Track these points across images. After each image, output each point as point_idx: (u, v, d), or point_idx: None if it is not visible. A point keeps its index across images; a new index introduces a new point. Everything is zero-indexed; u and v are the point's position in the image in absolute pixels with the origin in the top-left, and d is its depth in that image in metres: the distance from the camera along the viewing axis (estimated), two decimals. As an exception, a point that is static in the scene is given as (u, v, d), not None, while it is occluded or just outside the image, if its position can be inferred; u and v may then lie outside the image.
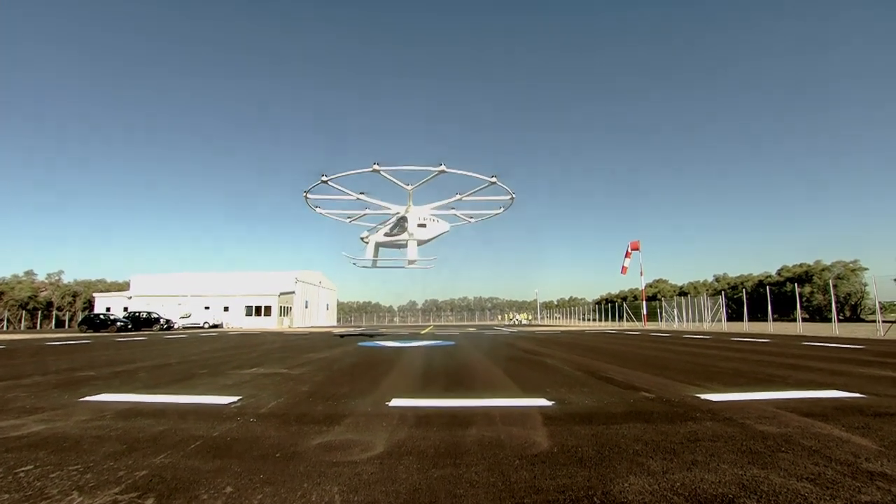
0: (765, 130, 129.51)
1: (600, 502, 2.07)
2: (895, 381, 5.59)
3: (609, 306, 55.85)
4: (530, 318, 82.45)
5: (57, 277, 66.55)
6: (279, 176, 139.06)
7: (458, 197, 18.27)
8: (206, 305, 54.27)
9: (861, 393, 4.71)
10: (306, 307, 65.20)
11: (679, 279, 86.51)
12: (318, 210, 19.49)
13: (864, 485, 2.22)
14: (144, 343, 16.82)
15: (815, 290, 51.45)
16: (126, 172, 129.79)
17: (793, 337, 17.23)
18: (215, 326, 49.06)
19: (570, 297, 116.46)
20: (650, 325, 39.60)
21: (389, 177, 16.33)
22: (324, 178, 16.43)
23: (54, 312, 60.53)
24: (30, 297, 59.10)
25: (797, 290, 28.51)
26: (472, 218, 20.61)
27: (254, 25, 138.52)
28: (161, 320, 39.79)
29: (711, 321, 33.46)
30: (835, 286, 37.28)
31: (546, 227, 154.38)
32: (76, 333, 30.66)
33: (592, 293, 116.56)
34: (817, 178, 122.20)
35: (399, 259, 19.71)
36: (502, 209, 19.98)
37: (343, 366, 8.19)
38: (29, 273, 64.76)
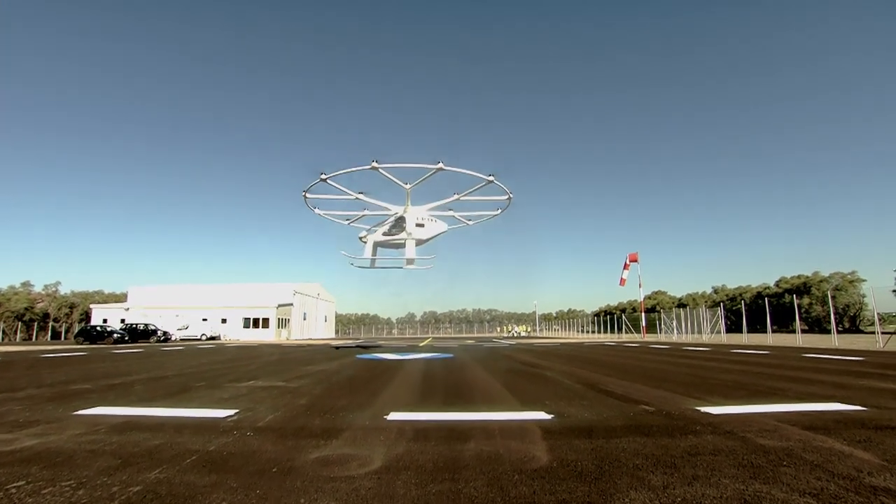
0: (763, 141, 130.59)
1: (601, 518, 2.04)
2: (896, 393, 5.57)
3: (608, 318, 55.71)
4: (529, 330, 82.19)
5: (54, 289, 66.27)
6: (278, 187, 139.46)
7: (455, 197, 18.29)
8: (204, 317, 53.98)
9: (862, 406, 4.68)
10: (304, 319, 64.94)
11: (678, 291, 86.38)
12: (316, 211, 19.47)
13: (868, 500, 2.20)
14: (141, 355, 16.70)
15: (813, 301, 51.44)
16: (125, 183, 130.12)
17: (792, 349, 17.18)
18: (213, 338, 48.77)
19: (569, 309, 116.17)
20: (649, 337, 39.48)
21: (388, 175, 16.33)
22: (323, 177, 16.42)
23: (50, 324, 60.18)
24: (26, 309, 58.81)
25: (796, 301, 28.52)
26: (470, 220, 20.63)
27: (249, 30, 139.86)
28: (158, 332, 39.55)
29: (711, 333, 33.39)
30: (833, 297, 37.27)
31: (545, 239, 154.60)
32: (72, 345, 30.45)
33: (591, 305, 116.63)
34: (815, 189, 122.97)
35: (397, 258, 19.69)
36: (500, 210, 20.01)
37: (341, 378, 8.14)
38: (26, 284, 64.50)
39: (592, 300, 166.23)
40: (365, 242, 19.43)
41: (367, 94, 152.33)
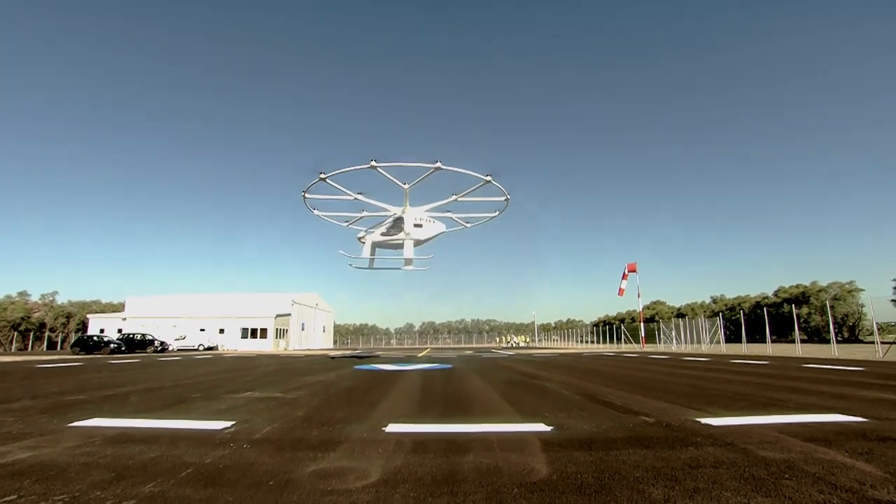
0: (760, 149, 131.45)
1: (602, 533, 2.01)
2: (897, 404, 5.54)
3: (607, 328, 55.60)
4: (528, 340, 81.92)
5: (51, 298, 65.98)
6: (277, 197, 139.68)
7: (453, 198, 18.32)
8: (202, 327, 53.72)
9: (863, 417, 4.65)
10: (303, 329, 64.68)
11: (676, 301, 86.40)
12: (315, 212, 19.47)
13: (871, 514, 2.17)
14: (138, 366, 16.59)
15: (812, 311, 51.42)
16: (124, 193, 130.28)
17: (792, 359, 17.13)
18: (210, 349, 48.49)
19: (568, 319, 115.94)
20: (648, 347, 39.36)
21: (386, 174, 16.35)
22: (322, 176, 16.41)
23: (47, 334, 59.82)
24: (22, 318, 58.49)
25: (795, 311, 28.54)
26: (468, 222, 20.65)
27: (248, 35, 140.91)
28: (155, 342, 39.33)
29: (710, 343, 33.33)
30: (832, 307, 37.26)
31: (543, 249, 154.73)
32: (68, 355, 30.24)
33: (590, 315, 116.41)
34: (812, 199, 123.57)
35: (396, 258, 19.67)
36: (497, 213, 20.03)
37: (339, 390, 8.08)
38: (23, 294, 64.19)
39: (591, 310, 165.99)
40: (363, 243, 19.43)
41: (366, 97, 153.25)
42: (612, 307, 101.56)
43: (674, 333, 38.11)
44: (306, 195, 18.09)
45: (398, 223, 18.81)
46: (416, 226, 18.71)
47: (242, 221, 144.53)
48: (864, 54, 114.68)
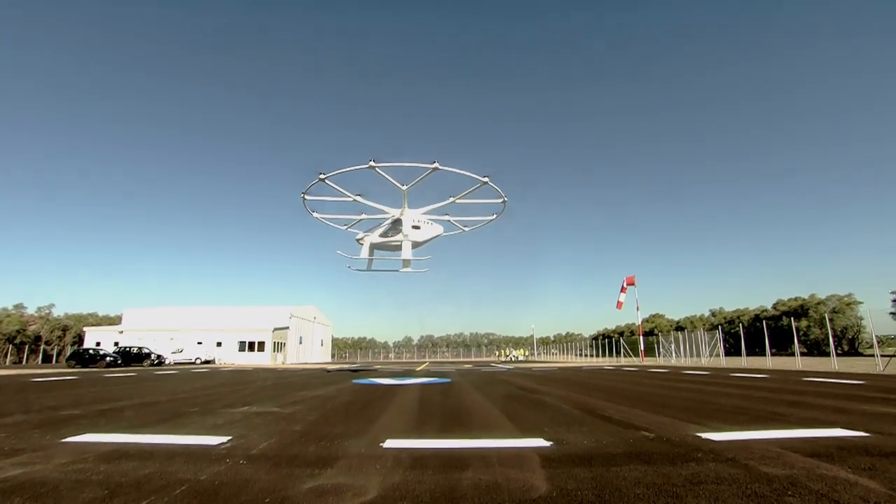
0: (758, 164, 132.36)
1: (603, 552, 1.98)
2: (898, 418, 5.50)
3: (606, 342, 55.40)
4: (527, 354, 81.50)
5: (47, 311, 65.65)
6: (276, 209, 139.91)
7: (451, 200, 18.42)
8: (199, 340, 53.39)
9: (865, 431, 4.61)
10: (300, 343, 64.32)
11: (675, 314, 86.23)
12: (314, 214, 19.53)
13: (876, 531, 2.14)
14: (133, 379, 16.43)
15: (811, 323, 51.36)
16: (122, 204, 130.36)
17: (792, 372, 17.06)
18: (207, 362, 48.14)
19: (567, 333, 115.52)
20: (648, 361, 39.18)
21: (385, 174, 16.43)
22: (321, 176, 16.49)
23: (42, 347, 59.35)
24: (18, 331, 58.08)
25: (794, 324, 28.51)
26: (466, 226, 20.70)
27: (244, 42, 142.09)
28: (152, 355, 39.04)
29: (709, 356, 33.19)
30: (831, 320, 37.20)
31: (541, 262, 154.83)
32: (64, 369, 29.98)
33: (589, 328, 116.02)
34: (808, 212, 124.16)
35: (394, 259, 19.69)
36: (495, 216, 20.09)
37: (337, 404, 8.01)
38: (19, 306, 63.88)
39: (590, 323, 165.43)
40: (362, 244, 19.47)
41: (366, 99, 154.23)
42: (611, 320, 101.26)
43: (673, 347, 37.98)
44: (306, 196, 18.16)
45: (396, 225, 18.90)
46: (414, 227, 18.78)
47: (241, 234, 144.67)
48: (862, 65, 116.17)
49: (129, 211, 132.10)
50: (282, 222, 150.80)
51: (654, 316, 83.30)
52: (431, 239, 19.57)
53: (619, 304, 44.83)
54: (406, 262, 18.87)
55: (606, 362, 38.89)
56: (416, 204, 18.81)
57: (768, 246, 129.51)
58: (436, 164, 16.06)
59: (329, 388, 11.94)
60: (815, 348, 50.18)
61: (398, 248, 18.99)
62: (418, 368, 27.39)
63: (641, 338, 42.11)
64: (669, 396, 8.72)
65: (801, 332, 48.73)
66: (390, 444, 4.35)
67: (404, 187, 17.15)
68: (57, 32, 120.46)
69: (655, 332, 60.48)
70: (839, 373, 16.12)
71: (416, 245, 19.04)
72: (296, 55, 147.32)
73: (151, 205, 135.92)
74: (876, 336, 22.53)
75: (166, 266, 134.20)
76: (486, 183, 17.11)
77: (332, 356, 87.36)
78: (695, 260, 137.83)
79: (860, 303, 50.39)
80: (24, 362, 54.37)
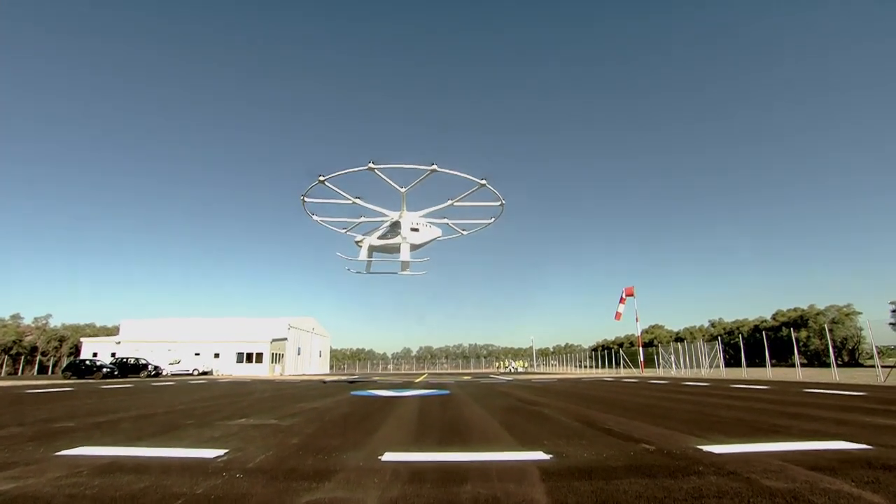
0: (755, 172, 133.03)
1: (604, 568, 1.95)
2: (900, 431, 5.47)
3: (606, 353, 55.18)
4: (526, 365, 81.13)
5: (44, 321, 65.26)
6: (274, 221, 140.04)
7: (449, 202, 18.54)
8: (197, 352, 53.09)
9: (868, 444, 4.58)
10: (299, 354, 63.99)
11: (674, 324, 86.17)
12: (314, 217, 19.60)
13: (880, 547, 2.11)
14: (130, 391, 16.30)
15: (811, 334, 51.25)
16: (120, 215, 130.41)
17: (793, 383, 16.98)
18: (205, 373, 47.82)
19: (567, 344, 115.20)
20: (648, 372, 39.00)
21: (383, 176, 16.53)
22: (321, 178, 16.60)
23: (38, 358, 58.93)
24: (14, 342, 57.70)
25: (794, 334, 28.44)
26: (464, 230, 20.75)
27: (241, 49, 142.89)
28: (149, 367, 38.76)
29: (709, 367, 33.04)
30: (831, 331, 37.13)
31: (540, 273, 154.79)
32: (59, 380, 29.73)
33: (588, 340, 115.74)
34: (806, 221, 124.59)
35: (393, 261, 19.74)
36: (493, 219, 20.17)
37: (335, 416, 7.94)
38: (15, 317, 63.52)
39: (589, 335, 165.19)
40: (360, 246, 19.54)
41: (365, 106, 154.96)
42: (611, 332, 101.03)
43: (673, 358, 37.83)
44: (305, 199, 18.25)
45: (395, 227, 19.00)
46: (412, 230, 18.87)
47: (240, 245, 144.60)
48: (864, 75, 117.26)
49: (127, 221, 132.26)
50: (281, 234, 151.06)
51: (653, 327, 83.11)
52: (430, 241, 19.66)
53: (617, 315, 44.75)
54: (405, 265, 18.96)
55: (606, 374, 38.69)
56: (414, 206, 18.96)
57: (766, 256, 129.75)
58: (434, 166, 16.17)
59: (327, 399, 11.85)
60: (816, 359, 50.02)
61: (397, 250, 19.08)
62: (417, 380, 27.23)
63: (641, 349, 41.95)
64: (670, 408, 8.66)
65: (801, 343, 48.60)
66: (389, 457, 4.30)
67: (403, 189, 17.27)
68: (53, 37, 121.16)
69: (655, 343, 60.28)
70: (840, 384, 16.05)
71: (414, 247, 19.13)
72: (294, 58, 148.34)
73: (150, 215, 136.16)
74: (876, 347, 22.47)
75: (165, 277, 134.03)
76: (483, 185, 17.23)
77: (331, 368, 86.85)
78: (693, 271, 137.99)
79: (859, 313, 50.41)
80: (19, 373, 53.92)
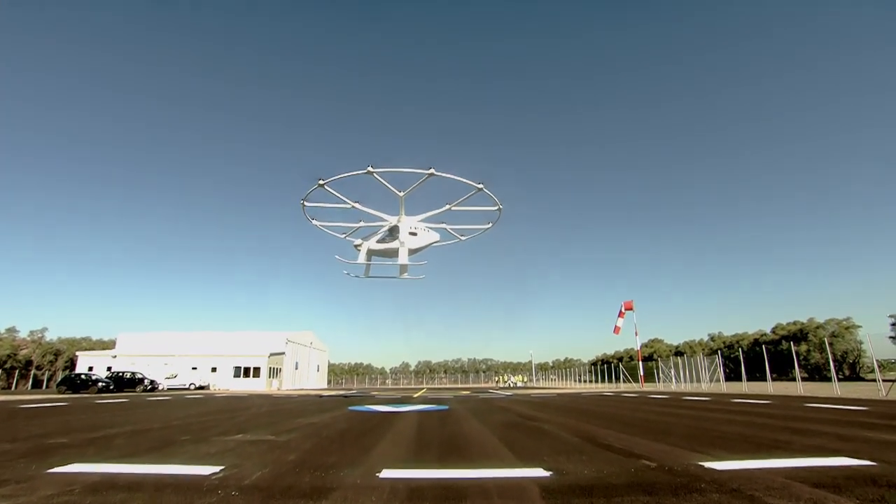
0: (754, 188, 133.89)
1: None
2: (903, 446, 5.42)
3: (605, 367, 54.89)
4: (525, 380, 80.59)
5: (40, 335, 64.72)
6: (273, 234, 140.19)
7: (447, 207, 18.58)
8: (194, 366, 52.63)
9: (872, 460, 4.53)
10: (296, 369, 63.51)
11: (673, 338, 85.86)
12: (314, 222, 19.62)
13: (887, 567, 2.08)
14: (125, 406, 16.12)
15: (811, 348, 51.05)
16: (118, 226, 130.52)
17: (794, 398, 16.87)
18: (202, 388, 47.39)
19: (566, 358, 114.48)
20: (648, 387, 38.75)
21: (382, 180, 16.59)
22: (321, 182, 16.68)
23: (33, 372, 58.36)
24: (8, 356, 57.17)
25: (794, 348, 28.32)
26: (462, 235, 20.76)
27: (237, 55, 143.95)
28: (145, 381, 38.35)
29: (710, 382, 32.83)
30: (831, 344, 37.03)
31: (540, 286, 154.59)
32: (54, 395, 29.40)
33: (588, 354, 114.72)
34: (804, 233, 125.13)
35: (391, 264, 19.70)
36: (491, 224, 20.17)
37: (332, 432, 7.85)
38: (11, 330, 62.94)
39: (589, 349, 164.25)
40: (359, 250, 19.53)
41: (363, 110, 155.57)
42: (610, 346, 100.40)
43: (673, 372, 37.61)
44: (305, 203, 18.30)
45: (393, 232, 19.05)
46: (411, 234, 18.90)
47: (238, 258, 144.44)
48: (860, 85, 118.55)
49: (124, 233, 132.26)
50: (280, 247, 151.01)
51: (652, 341, 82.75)
52: (428, 245, 19.72)
53: (616, 329, 44.60)
54: (403, 268, 18.99)
55: (606, 388, 38.42)
56: (413, 210, 19.04)
57: (764, 269, 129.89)
58: (432, 170, 16.28)
59: (324, 415, 11.73)
60: (816, 373, 49.75)
61: (395, 254, 19.12)
62: (415, 395, 27.00)
63: (641, 363, 41.73)
64: (671, 423, 8.59)
65: (802, 357, 48.39)
66: (387, 473, 4.25)
67: (401, 194, 17.35)
68: (48, 41, 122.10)
69: (654, 357, 60.01)
70: (841, 398, 15.95)
71: (412, 251, 19.18)
72: (293, 63, 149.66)
73: (148, 228, 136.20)
74: (877, 360, 22.38)
75: (162, 290, 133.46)
76: (480, 189, 17.32)
77: (329, 382, 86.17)
78: (692, 284, 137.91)
79: (859, 326, 50.24)
80: (13, 388, 53.37)
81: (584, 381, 61.07)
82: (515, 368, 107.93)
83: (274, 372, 56.07)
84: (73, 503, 3.28)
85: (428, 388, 49.47)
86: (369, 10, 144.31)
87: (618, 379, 47.88)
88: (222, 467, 4.54)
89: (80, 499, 3.40)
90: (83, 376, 35.72)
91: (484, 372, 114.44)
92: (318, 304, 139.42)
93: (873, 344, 22.02)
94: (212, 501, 3.30)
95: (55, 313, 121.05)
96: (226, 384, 52.52)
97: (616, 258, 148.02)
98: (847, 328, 50.64)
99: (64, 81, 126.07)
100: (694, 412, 11.19)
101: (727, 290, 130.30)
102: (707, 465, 4.41)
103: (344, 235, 20.84)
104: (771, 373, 27.44)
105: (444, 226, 20.42)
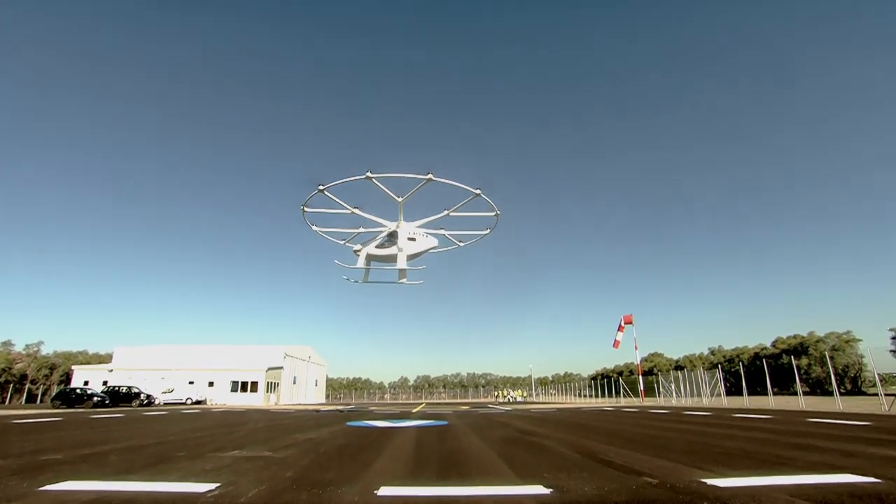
0: (753, 200, 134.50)
1: None
2: (908, 463, 5.35)
3: (605, 381, 54.51)
4: (525, 394, 79.98)
5: (36, 348, 64.24)
6: (271, 248, 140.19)
7: (445, 212, 18.68)
8: (191, 380, 52.16)
9: (876, 477, 4.47)
10: (294, 383, 62.98)
11: (673, 352, 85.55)
12: (314, 227, 19.68)
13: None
14: (121, 421, 15.93)
15: (812, 362, 50.80)
16: (115, 239, 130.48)
17: (796, 413, 16.73)
18: (198, 402, 46.92)
19: (566, 373, 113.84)
20: (648, 401, 38.46)
21: (381, 186, 16.69)
22: (321, 187, 16.80)
23: (27, 386, 57.78)
24: (3, 370, 56.66)
25: (794, 362, 28.19)
26: (461, 241, 20.80)
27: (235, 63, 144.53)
28: (141, 395, 37.97)
29: (710, 396, 32.58)
30: (832, 358, 36.82)
31: (539, 300, 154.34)
32: (48, 409, 29.08)
33: (587, 368, 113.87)
34: (805, 247, 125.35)
35: (391, 269, 19.74)
36: (489, 230, 20.21)
37: (330, 448, 7.75)
38: (6, 343, 62.50)
39: (589, 363, 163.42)
40: (358, 255, 19.61)
41: (363, 115, 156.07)
42: (610, 360, 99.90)
43: (673, 387, 37.35)
44: (305, 209, 18.41)
45: (392, 237, 19.17)
46: (409, 239, 19.01)
47: (236, 271, 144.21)
48: (858, 96, 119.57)
49: (122, 246, 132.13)
50: (278, 261, 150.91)
51: (652, 355, 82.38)
52: (426, 251, 19.84)
53: (615, 343, 44.38)
54: (402, 274, 19.07)
55: (606, 403, 38.10)
56: (412, 216, 19.20)
57: (764, 282, 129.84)
58: (430, 175, 16.39)
59: (322, 430, 11.60)
60: (818, 387, 49.42)
61: (394, 259, 19.21)
62: (414, 410, 26.74)
63: (641, 377, 41.46)
64: (672, 439, 8.50)
65: (802, 371, 48.12)
66: (385, 491, 4.18)
67: (400, 199, 17.46)
68: (44, 47, 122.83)
69: (654, 371, 59.67)
70: (844, 413, 15.82)
71: (411, 257, 19.27)
72: (291, 68, 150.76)
73: (145, 240, 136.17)
74: (878, 374, 22.24)
75: (160, 303, 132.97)
76: (478, 195, 17.45)
77: (327, 397, 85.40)
78: (691, 298, 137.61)
79: (859, 340, 50.08)
80: (7, 402, 52.78)
81: (584, 396, 60.58)
82: (515, 383, 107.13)
83: (272, 386, 55.57)
84: (65, 522, 3.22)
85: (427, 403, 49.04)
86: (369, 13, 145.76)
87: (618, 393, 47.52)
88: (218, 484, 4.47)
89: (73, 517, 3.34)
90: (78, 391, 35.38)
91: (483, 387, 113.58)
92: (317, 319, 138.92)
93: (874, 357, 21.91)
94: (206, 520, 3.24)
95: (52, 327, 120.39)
96: (223, 399, 52.01)
97: (615, 272, 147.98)
98: (847, 342, 50.46)
99: (60, 90, 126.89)
100: (695, 427, 11.08)
101: (727, 304, 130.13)
102: (709, 481, 4.35)
103: (344, 242, 20.95)
104: (772, 387, 27.27)
105: (442, 231, 20.56)
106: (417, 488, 4.36)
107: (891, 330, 46.65)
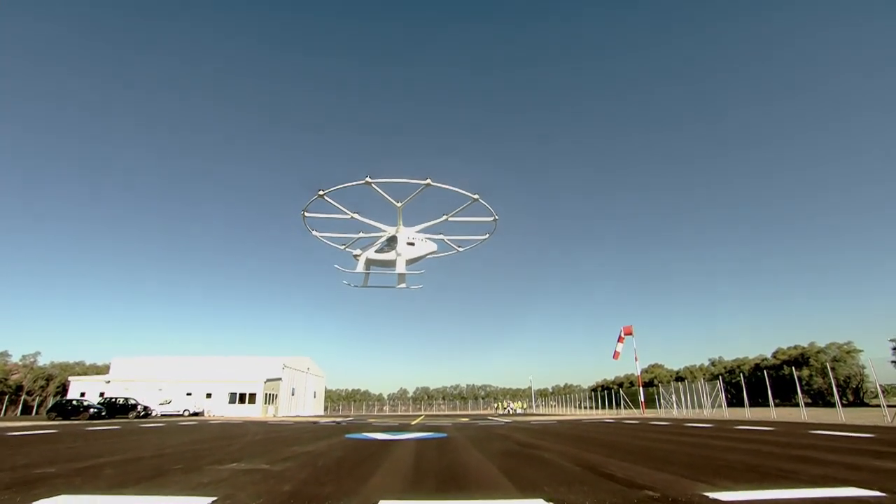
0: (753, 210, 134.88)
1: None
2: (912, 476, 5.30)
3: (605, 393, 54.18)
4: (525, 406, 79.42)
5: (32, 359, 63.83)
6: (269, 258, 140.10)
7: (444, 217, 18.73)
8: (188, 392, 51.77)
9: (881, 491, 4.42)
10: (293, 395, 62.52)
11: (673, 363, 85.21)
12: (314, 233, 19.74)
13: None
14: (117, 433, 15.77)
15: (813, 373, 50.58)
16: (113, 250, 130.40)
17: (798, 424, 16.61)
18: (196, 414, 46.54)
19: (566, 384, 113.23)
20: (649, 413, 38.20)
21: (380, 191, 16.78)
22: (320, 192, 16.90)
23: (23, 397, 57.29)
24: (-1, 381, 56.28)
25: (796, 373, 28.04)
26: (460, 246, 20.83)
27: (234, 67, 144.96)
28: (138, 407, 37.63)
29: (712, 408, 32.37)
30: (833, 369, 36.65)
31: (538, 311, 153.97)
32: (44, 421, 28.81)
33: (588, 380, 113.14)
34: (802, 256, 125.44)
35: (390, 274, 19.73)
36: (488, 235, 20.23)
37: (328, 461, 7.67)
38: (3, 354, 62.08)
39: (589, 375, 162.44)
40: (358, 259, 19.66)
41: (363, 118, 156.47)
42: (610, 371, 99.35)
43: (674, 398, 37.11)
44: (306, 214, 18.50)
45: (391, 242, 19.26)
46: (408, 244, 19.09)
47: (234, 283, 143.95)
48: (857, 109, 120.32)
49: (120, 257, 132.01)
50: (278, 273, 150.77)
51: (653, 366, 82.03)
52: (426, 255, 19.91)
53: (615, 355, 44.19)
54: (401, 278, 19.12)
55: (607, 415, 37.83)
56: (411, 221, 19.29)
57: (764, 293, 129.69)
58: (428, 181, 16.49)
59: (320, 443, 11.49)
60: (819, 398, 49.14)
61: (393, 264, 19.27)
62: (413, 422, 26.53)
63: (641, 389, 41.22)
64: (673, 451, 8.42)
65: (804, 382, 47.86)
66: (383, 505, 4.13)
67: (399, 204, 17.56)
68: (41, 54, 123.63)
69: (655, 382, 59.37)
70: (846, 425, 15.71)
71: (410, 261, 19.32)
72: (291, 75, 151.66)
73: (143, 251, 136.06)
74: (880, 385, 22.12)
75: (158, 314, 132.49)
76: (476, 200, 17.52)
77: (326, 408, 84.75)
78: (691, 309, 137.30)
79: (860, 351, 49.91)
80: (2, 414, 52.32)
81: (585, 408, 60.19)
82: (515, 395, 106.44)
83: (270, 398, 55.15)
84: (59, 537, 3.17)
85: (426, 415, 48.70)
86: (368, 21, 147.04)
87: (618, 405, 47.21)
88: (215, 498, 4.41)
89: (66, 533, 3.29)
90: (74, 402, 35.04)
91: (483, 398, 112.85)
92: (316, 330, 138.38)
93: (876, 368, 21.77)
94: (202, 535, 3.19)
95: (49, 337, 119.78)
96: (221, 410, 51.58)
97: (615, 283, 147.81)
98: (849, 352, 50.29)
99: (51, 98, 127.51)
100: (697, 440, 10.99)
101: (727, 315, 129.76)
102: (711, 495, 4.30)
103: (343, 247, 21.05)
104: (773, 398, 27.11)
105: (441, 237, 20.67)
106: (417, 502, 4.31)
107: (892, 340, 46.52)
